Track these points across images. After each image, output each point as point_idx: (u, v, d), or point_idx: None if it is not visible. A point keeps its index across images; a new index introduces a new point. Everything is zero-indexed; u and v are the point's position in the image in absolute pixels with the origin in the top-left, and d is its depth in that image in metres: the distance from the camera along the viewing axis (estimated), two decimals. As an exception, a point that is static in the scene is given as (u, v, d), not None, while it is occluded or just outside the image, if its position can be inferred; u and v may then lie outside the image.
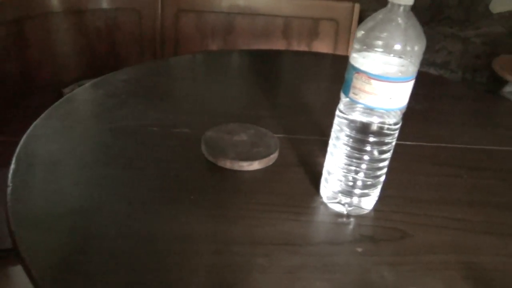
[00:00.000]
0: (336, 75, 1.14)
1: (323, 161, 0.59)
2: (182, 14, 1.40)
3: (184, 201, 0.56)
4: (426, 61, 2.51)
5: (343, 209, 0.57)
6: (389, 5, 0.48)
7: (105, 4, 1.33)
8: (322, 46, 1.49)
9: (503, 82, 2.55)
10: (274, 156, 0.65)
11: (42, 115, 0.72)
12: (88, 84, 0.86)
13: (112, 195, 0.56)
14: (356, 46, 0.50)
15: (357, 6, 1.47)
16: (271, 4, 1.44)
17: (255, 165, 0.63)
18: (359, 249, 0.52)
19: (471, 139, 0.79)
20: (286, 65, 1.14)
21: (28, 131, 0.67)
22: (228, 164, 0.63)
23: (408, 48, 0.48)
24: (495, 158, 0.74)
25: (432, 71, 2.55)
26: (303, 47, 1.49)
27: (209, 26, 1.43)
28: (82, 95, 0.83)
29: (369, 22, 0.50)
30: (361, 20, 1.72)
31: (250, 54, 1.20)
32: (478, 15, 2.92)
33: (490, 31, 2.65)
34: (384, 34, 0.48)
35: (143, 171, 0.61)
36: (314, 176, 0.62)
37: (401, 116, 0.53)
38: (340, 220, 0.56)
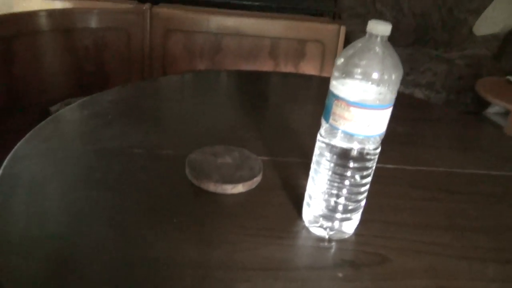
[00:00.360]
0: (321, 97, 1.15)
1: (306, 184, 0.60)
2: (171, 34, 1.41)
3: (167, 225, 0.56)
4: (411, 82, 2.56)
5: (324, 233, 0.58)
6: (367, 35, 0.49)
7: (93, 23, 1.34)
8: (309, 67, 1.51)
9: (487, 103, 2.60)
10: (257, 179, 0.66)
11: (27, 136, 0.72)
12: (74, 104, 0.86)
13: (94, 219, 0.56)
14: (336, 73, 0.51)
15: (342, 28, 1.50)
16: (259, 25, 1.46)
17: (239, 188, 0.64)
18: (340, 274, 0.52)
19: (451, 163, 0.80)
20: (273, 86, 1.15)
21: (12, 151, 0.67)
22: (212, 187, 0.63)
23: (386, 77, 0.49)
24: (474, 182, 0.75)
25: (418, 92, 2.60)
26: (290, 68, 1.51)
27: (197, 46, 1.44)
28: (67, 115, 0.83)
29: (348, 51, 0.51)
30: (347, 41, 1.76)
31: (237, 75, 1.21)
32: (462, 38, 2.99)
33: (473, 53, 2.72)
34: (363, 63, 0.49)
35: (126, 194, 0.62)
36: (297, 200, 0.63)
37: (380, 141, 0.54)
38: (321, 244, 0.57)
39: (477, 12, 2.99)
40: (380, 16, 2.81)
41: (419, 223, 0.63)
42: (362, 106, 0.49)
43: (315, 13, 2.42)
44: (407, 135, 0.90)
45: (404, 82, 2.61)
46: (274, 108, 0.97)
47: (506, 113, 2.53)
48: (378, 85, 0.49)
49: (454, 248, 0.59)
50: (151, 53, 1.41)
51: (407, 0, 2.93)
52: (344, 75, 0.50)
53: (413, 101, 1.23)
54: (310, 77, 1.30)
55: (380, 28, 0.48)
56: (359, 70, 0.49)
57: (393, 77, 0.49)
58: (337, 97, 0.50)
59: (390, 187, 0.70)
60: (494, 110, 2.80)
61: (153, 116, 0.86)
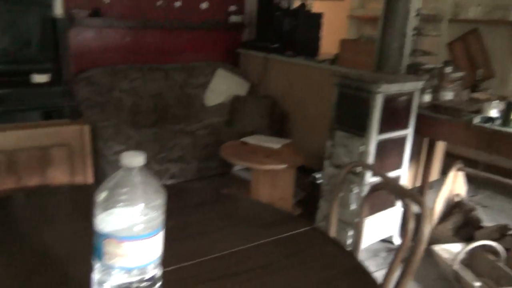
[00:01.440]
0: (75, 210, 1.07)
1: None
2: None
3: None
4: (164, 159, 2.67)
5: None
6: (123, 168, 0.49)
7: None
8: (58, 174, 1.40)
9: (232, 164, 2.93)
10: None
11: None
12: None
13: None
14: (99, 211, 0.49)
15: (86, 128, 1.47)
16: (-13, 140, 1.29)
17: None
18: None
19: (227, 243, 0.85)
20: (19, 211, 1.02)
21: None
22: None
23: (151, 204, 0.50)
24: (253, 256, 0.82)
25: (172, 166, 2.73)
26: (36, 180, 1.37)
27: None
28: None
29: (107, 184, 0.50)
30: (94, 139, 1.72)
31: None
32: (197, 110, 3.32)
33: (210, 122, 3.05)
34: (125, 196, 0.49)
35: None
36: None
37: (160, 261, 0.54)
38: None
39: (204, 86, 3.40)
40: (119, 102, 2.87)
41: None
42: (134, 239, 0.48)
43: (52, 110, 2.29)
44: (177, 229, 0.91)
45: (157, 160, 2.73)
46: (27, 239, 0.85)
47: (248, 169, 2.91)
48: (145, 214, 0.49)
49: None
50: None
51: (142, 84, 3.09)
52: (107, 212, 0.48)
53: (170, 190, 1.28)
54: (59, 189, 1.21)
55: (135, 161, 0.48)
56: (123, 205, 0.48)
57: (158, 202, 0.50)
58: (106, 237, 0.48)
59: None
60: (238, 167, 3.18)
61: None
